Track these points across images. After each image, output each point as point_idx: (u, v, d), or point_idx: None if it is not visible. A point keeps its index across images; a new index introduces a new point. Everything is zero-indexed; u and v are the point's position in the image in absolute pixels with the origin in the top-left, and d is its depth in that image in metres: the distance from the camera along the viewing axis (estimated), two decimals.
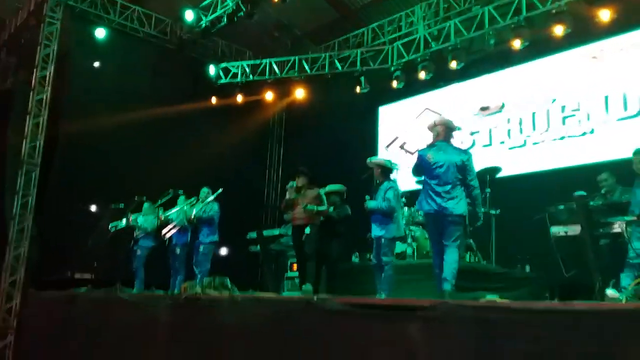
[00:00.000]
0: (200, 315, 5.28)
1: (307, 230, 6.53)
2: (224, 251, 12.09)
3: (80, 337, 6.90)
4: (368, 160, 6.61)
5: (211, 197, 8.10)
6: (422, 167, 5.53)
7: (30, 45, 10.89)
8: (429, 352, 3.71)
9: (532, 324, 3.16)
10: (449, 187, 5.26)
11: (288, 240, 8.21)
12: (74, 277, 9.72)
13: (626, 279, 4.99)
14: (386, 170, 6.50)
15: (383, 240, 6.13)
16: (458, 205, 5.24)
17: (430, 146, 5.58)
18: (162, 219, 8.56)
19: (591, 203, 6.02)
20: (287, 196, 7.01)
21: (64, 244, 9.82)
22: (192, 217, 8.03)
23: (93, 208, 10.59)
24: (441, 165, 5.33)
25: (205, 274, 7.21)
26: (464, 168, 5.32)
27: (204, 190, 8.30)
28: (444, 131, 5.58)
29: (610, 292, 4.22)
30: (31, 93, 10.24)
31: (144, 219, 8.81)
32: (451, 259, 5.24)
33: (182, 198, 8.44)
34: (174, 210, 8.59)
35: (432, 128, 5.70)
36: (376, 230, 6.19)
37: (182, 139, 11.65)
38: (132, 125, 10.76)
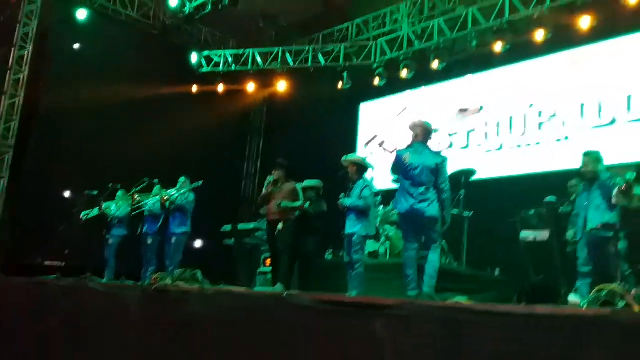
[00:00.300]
0: (170, 307, 5.24)
1: (280, 225, 6.50)
2: (198, 243, 12.05)
3: (49, 326, 6.80)
4: (344, 158, 6.61)
5: (188, 187, 8.00)
6: (398, 167, 5.58)
7: (10, 23, 10.69)
8: (395, 350, 3.76)
9: (494, 325, 3.23)
10: (422, 188, 5.32)
11: (263, 234, 8.19)
12: (45, 263, 9.58)
13: (581, 287, 5.10)
14: (362, 168, 6.53)
15: (355, 237, 6.16)
16: (430, 207, 5.30)
17: (408, 147, 5.64)
18: (136, 205, 8.46)
19: (561, 209, 6.13)
20: (264, 190, 6.97)
21: (37, 229, 9.68)
22: (166, 198, 7.86)
23: (67, 194, 10.43)
24: (416, 167, 5.39)
25: (176, 265, 7.15)
26: (437, 171, 5.38)
27: (182, 179, 8.21)
28: (422, 133, 5.63)
29: (572, 297, 4.32)
30: (8, 72, 10.07)
31: (116, 208, 8.69)
32: (431, 259, 5.33)
33: (157, 187, 8.33)
34: (149, 199, 8.49)
35: (412, 128, 5.75)
36: (349, 228, 6.21)
37: (161, 125, 11.50)
38: (110, 109, 10.64)
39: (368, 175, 6.63)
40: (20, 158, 10.06)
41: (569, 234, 5.59)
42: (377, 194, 7.08)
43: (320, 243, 7.26)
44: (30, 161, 10.24)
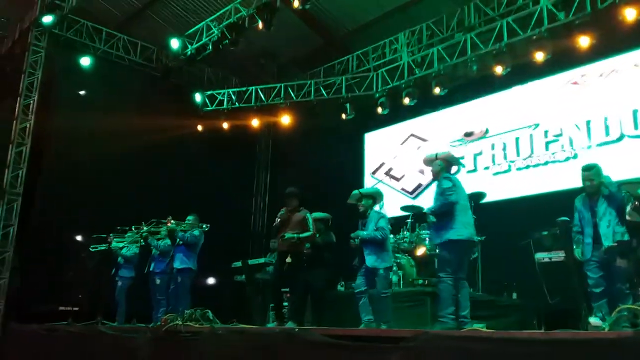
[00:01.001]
0: (181, 348, 5.17)
1: (289, 259, 6.38)
2: (209, 281, 11.97)
3: None
4: (354, 192, 6.51)
5: (196, 229, 7.93)
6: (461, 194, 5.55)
7: (15, 73, 10.89)
8: None
9: (513, 354, 3.12)
10: None
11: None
12: (59, 309, 9.53)
13: (599, 308, 4.93)
14: (376, 200, 6.49)
15: (381, 271, 6.05)
16: None
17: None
18: (144, 240, 8.44)
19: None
20: (276, 222, 6.80)
21: (47, 275, 9.67)
22: (175, 230, 7.77)
23: (78, 238, 10.45)
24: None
25: (187, 305, 7.04)
26: None
27: (190, 217, 8.17)
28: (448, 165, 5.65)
29: (593, 320, 4.18)
30: (14, 121, 10.20)
31: (126, 248, 8.69)
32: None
33: (164, 228, 8.28)
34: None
35: (431, 162, 5.72)
36: (371, 261, 6.06)
37: (168, 166, 11.61)
38: (117, 152, 10.72)
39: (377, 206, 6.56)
40: (28, 205, 10.09)
41: (577, 252, 5.41)
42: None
43: (330, 275, 7.13)
44: (38, 208, 10.27)
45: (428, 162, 5.88)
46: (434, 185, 5.94)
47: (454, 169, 5.91)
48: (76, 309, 8.97)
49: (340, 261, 7.15)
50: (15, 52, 11.22)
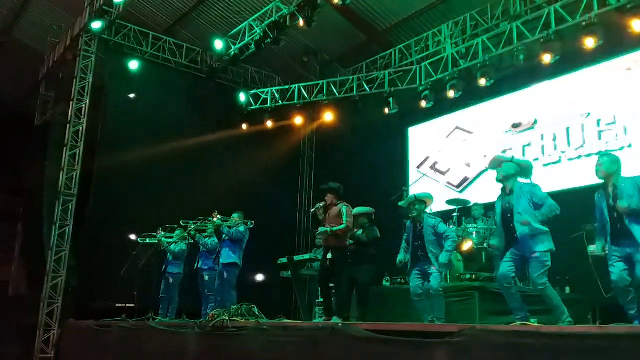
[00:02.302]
0: (228, 343, 5.24)
1: (330, 255, 6.36)
2: (257, 277, 12.11)
3: None
4: (412, 196, 6.45)
5: (241, 225, 8.04)
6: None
7: (68, 78, 11.32)
8: None
9: (563, 348, 3.01)
10: None
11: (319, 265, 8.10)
12: (116, 305, 9.86)
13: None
14: (427, 204, 6.41)
15: (436, 269, 6.01)
16: None
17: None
18: (191, 241, 8.63)
19: None
20: (317, 212, 6.81)
21: (103, 272, 9.99)
22: (221, 225, 7.89)
23: (130, 236, 10.76)
24: None
25: (232, 301, 7.14)
26: None
27: (235, 215, 8.28)
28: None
29: None
30: (68, 125, 10.58)
31: (174, 245, 8.90)
32: None
33: (210, 225, 8.43)
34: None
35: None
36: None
37: (214, 166, 11.85)
38: (165, 154, 11.01)
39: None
40: (82, 206, 10.46)
41: (598, 247, 5.12)
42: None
43: (375, 270, 7.08)
44: (92, 208, 10.63)
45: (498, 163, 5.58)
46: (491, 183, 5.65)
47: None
48: (131, 305, 9.27)
49: (386, 256, 7.09)
50: (67, 58, 11.64)
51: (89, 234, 10.56)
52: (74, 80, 10.73)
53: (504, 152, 10.23)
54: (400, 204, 6.61)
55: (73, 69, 10.93)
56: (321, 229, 6.47)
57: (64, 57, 11.82)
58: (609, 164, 4.94)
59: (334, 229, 6.45)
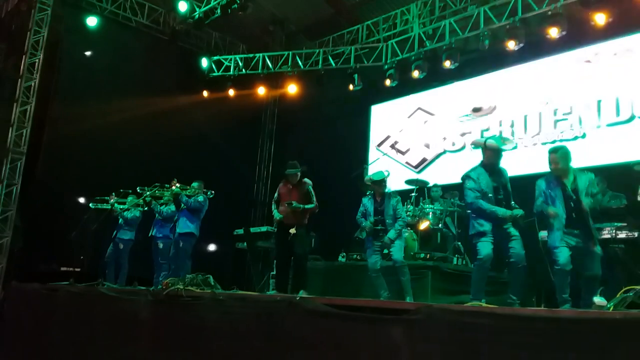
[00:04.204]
0: (182, 313, 5.18)
1: (293, 230, 6.38)
2: (210, 247, 12.01)
3: (61, 330, 6.78)
4: (367, 177, 6.58)
5: (201, 195, 7.90)
6: None
7: (21, 31, 10.75)
8: (411, 356, 3.64)
9: (517, 330, 3.10)
10: None
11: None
12: (61, 269, 9.59)
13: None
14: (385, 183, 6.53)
15: (397, 242, 6.33)
16: None
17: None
18: (146, 208, 8.45)
19: None
20: (277, 193, 6.85)
21: (50, 235, 9.69)
22: (180, 194, 7.75)
23: (78, 200, 10.44)
24: None
25: (188, 270, 7.06)
26: None
27: (195, 184, 8.14)
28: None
29: (597, 299, 4.15)
30: (19, 80, 10.10)
31: (127, 212, 8.69)
32: None
33: (167, 192, 8.25)
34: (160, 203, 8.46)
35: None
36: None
37: (173, 131, 11.50)
38: (121, 115, 10.63)
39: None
40: (32, 165, 10.07)
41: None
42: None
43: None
44: (42, 168, 10.25)
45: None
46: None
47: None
48: (78, 269, 9.02)
49: (342, 232, 7.14)
50: (21, 9, 11.04)
51: (37, 195, 10.17)
52: (28, 33, 10.22)
53: (463, 135, 10.40)
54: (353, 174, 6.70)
55: (27, 21, 10.39)
56: (295, 204, 6.48)
57: (18, 7, 11.21)
58: (564, 160, 5.08)
59: (307, 206, 6.55)
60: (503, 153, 5.56)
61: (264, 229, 8.68)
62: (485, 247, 5.23)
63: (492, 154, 5.47)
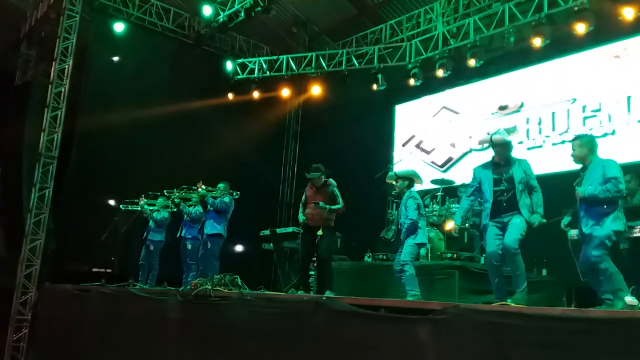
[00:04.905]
0: (210, 312, 5.26)
1: (320, 232, 6.40)
2: (237, 248, 12.12)
3: (93, 330, 6.94)
4: (392, 173, 6.51)
5: (227, 196, 8.00)
6: None
7: (50, 38, 11.01)
8: (438, 356, 3.64)
9: (545, 330, 3.08)
10: None
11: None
12: (92, 270, 9.80)
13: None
14: (412, 182, 6.45)
15: (410, 244, 6.12)
16: None
17: None
18: (175, 210, 8.58)
19: None
20: (304, 196, 6.87)
21: (81, 237, 9.92)
22: (206, 195, 7.86)
23: (111, 201, 10.64)
24: None
25: (214, 271, 7.15)
26: None
27: (221, 185, 8.24)
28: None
29: (629, 298, 4.08)
30: (49, 86, 10.34)
31: (156, 213, 8.84)
32: None
33: (195, 194, 8.37)
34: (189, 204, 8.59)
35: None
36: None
37: (199, 134, 11.69)
38: (149, 119, 10.82)
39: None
40: (63, 169, 10.30)
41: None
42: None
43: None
44: (73, 172, 10.48)
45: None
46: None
47: None
48: (109, 270, 9.21)
49: (368, 232, 7.14)
50: (50, 16, 11.28)
51: (69, 198, 10.41)
52: (57, 39, 10.44)
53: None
54: (386, 179, 6.65)
55: (56, 28, 10.62)
56: (321, 204, 6.44)
57: (47, 15, 11.46)
58: (579, 148, 4.99)
59: (333, 207, 6.54)
60: (513, 144, 5.54)
61: (289, 229, 8.72)
62: (488, 245, 5.18)
63: (500, 148, 5.45)
